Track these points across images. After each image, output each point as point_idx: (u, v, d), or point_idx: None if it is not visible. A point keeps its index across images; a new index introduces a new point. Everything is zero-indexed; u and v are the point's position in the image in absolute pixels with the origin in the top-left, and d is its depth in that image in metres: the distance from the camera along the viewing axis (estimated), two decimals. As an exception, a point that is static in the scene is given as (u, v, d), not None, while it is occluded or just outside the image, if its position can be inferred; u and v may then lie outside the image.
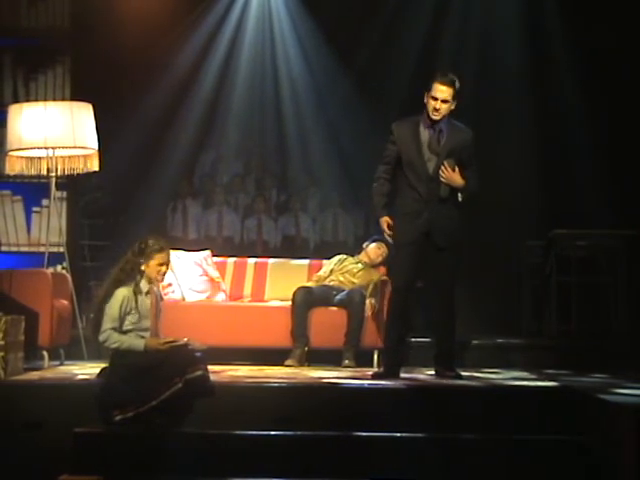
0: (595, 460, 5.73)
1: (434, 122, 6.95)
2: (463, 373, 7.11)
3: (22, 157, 8.31)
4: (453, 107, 6.95)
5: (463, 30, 11.37)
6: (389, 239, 7.18)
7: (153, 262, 6.03)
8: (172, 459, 5.73)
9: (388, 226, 7.04)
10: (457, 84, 6.91)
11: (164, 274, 6.14)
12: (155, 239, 6.12)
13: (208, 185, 11.59)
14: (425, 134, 6.98)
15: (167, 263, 6.12)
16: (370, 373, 7.20)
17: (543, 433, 5.95)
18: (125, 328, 5.95)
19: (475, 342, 8.68)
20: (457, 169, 6.94)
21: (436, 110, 6.89)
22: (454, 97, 6.90)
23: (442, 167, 6.91)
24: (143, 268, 6.03)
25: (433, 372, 7.23)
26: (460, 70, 10.99)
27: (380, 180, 7.11)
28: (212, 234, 11.19)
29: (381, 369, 7.19)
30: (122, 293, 5.96)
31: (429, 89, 6.91)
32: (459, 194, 7.00)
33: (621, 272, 9.61)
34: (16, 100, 9.78)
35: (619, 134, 10.58)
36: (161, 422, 5.78)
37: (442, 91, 6.87)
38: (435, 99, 6.89)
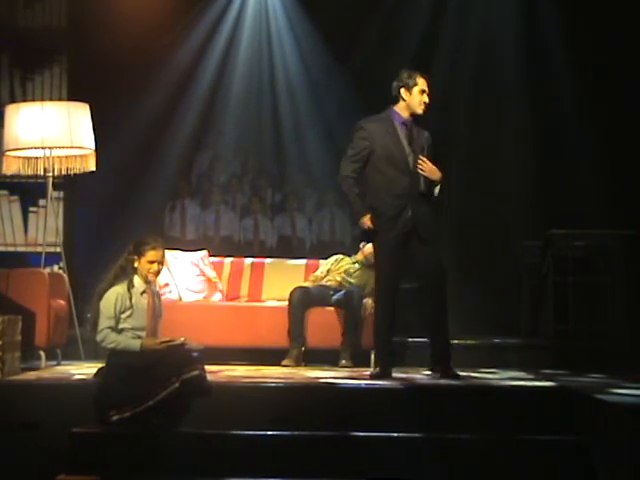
0: (592, 460, 5.72)
1: (404, 118, 7.01)
2: (460, 373, 7.10)
3: (19, 157, 8.29)
4: None
5: (461, 29, 11.37)
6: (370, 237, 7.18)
7: (144, 259, 6.05)
8: (169, 459, 5.73)
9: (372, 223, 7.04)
10: None
11: (156, 273, 6.13)
12: (151, 237, 6.14)
13: (205, 185, 11.59)
14: (400, 129, 7.04)
15: (160, 262, 6.12)
16: (368, 373, 7.20)
17: (540, 433, 5.95)
18: (121, 326, 5.96)
19: (472, 342, 8.68)
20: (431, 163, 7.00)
21: (424, 103, 6.98)
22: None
23: (420, 161, 6.95)
24: (136, 265, 6.05)
25: (430, 372, 7.22)
26: (458, 69, 11.09)
27: (350, 180, 7.08)
28: (210, 234, 11.18)
29: (377, 369, 7.18)
30: (116, 291, 5.97)
31: (412, 85, 6.99)
32: (435, 188, 7.02)
33: (618, 272, 9.60)
34: (13, 100, 9.79)
35: (617, 134, 10.57)
36: (158, 422, 5.78)
37: (426, 85, 7.00)
38: (423, 92, 6.99)
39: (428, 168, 6.96)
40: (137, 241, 6.11)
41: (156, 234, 6.50)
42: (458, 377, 6.98)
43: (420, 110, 6.99)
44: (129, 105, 10.79)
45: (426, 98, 6.98)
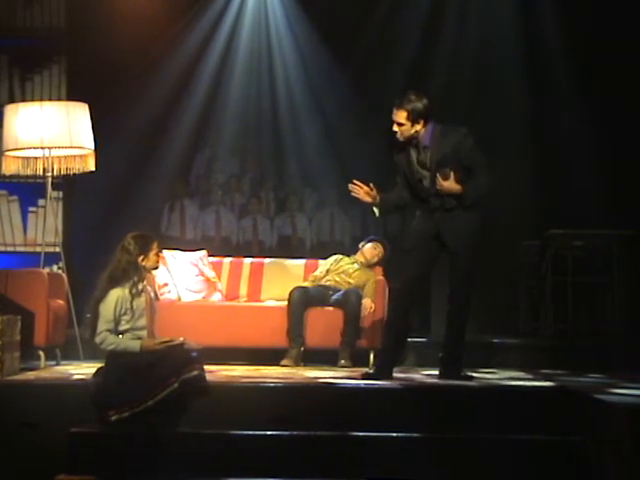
0: (591, 460, 5.73)
1: (417, 140, 6.92)
2: (469, 374, 7.06)
3: (18, 157, 8.29)
4: (419, 127, 6.84)
5: (461, 28, 11.36)
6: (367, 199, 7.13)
7: (152, 252, 6.08)
8: (168, 459, 5.74)
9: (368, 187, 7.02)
10: (412, 105, 6.79)
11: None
12: (140, 233, 6.14)
13: (205, 185, 11.58)
14: (413, 153, 6.99)
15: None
16: (362, 373, 7.19)
17: (539, 433, 5.95)
18: (121, 328, 5.96)
19: (471, 342, 8.65)
20: (452, 176, 6.83)
21: (395, 132, 6.92)
22: (410, 119, 6.81)
23: (436, 180, 6.86)
24: (144, 263, 6.04)
25: (437, 372, 7.14)
26: (458, 68, 11.08)
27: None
28: (210, 234, 11.18)
29: (371, 369, 7.17)
30: (116, 294, 5.96)
31: None
32: (464, 200, 6.91)
33: (618, 272, 9.60)
34: (12, 100, 9.79)
35: (617, 133, 10.56)
36: (157, 422, 5.78)
37: (394, 114, 6.89)
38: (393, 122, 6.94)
39: (443, 186, 6.83)
40: (140, 240, 6.07)
41: (153, 234, 6.48)
42: (471, 379, 6.96)
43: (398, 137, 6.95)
44: (128, 105, 10.79)
45: (395, 127, 6.86)
